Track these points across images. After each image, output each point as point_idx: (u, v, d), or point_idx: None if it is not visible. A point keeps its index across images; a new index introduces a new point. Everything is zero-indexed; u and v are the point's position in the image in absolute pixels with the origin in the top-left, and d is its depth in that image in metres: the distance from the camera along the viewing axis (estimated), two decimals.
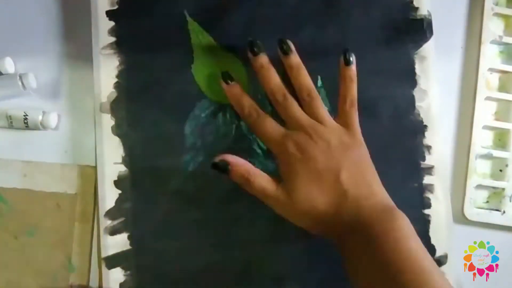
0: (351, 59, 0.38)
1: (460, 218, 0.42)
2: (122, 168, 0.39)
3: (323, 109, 0.38)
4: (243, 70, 0.40)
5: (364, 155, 0.37)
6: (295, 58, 0.38)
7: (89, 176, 0.40)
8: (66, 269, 0.39)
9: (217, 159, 0.36)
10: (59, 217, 0.39)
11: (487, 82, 0.43)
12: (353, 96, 0.37)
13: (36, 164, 0.40)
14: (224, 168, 0.36)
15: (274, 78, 0.38)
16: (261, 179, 0.36)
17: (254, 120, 0.37)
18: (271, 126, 0.37)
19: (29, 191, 0.39)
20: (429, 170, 0.41)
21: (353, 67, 0.38)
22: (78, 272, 0.39)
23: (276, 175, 0.37)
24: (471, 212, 0.42)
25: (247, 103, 0.38)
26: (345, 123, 0.37)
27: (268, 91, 0.38)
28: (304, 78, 0.38)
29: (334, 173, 0.35)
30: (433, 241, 0.40)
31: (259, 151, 0.40)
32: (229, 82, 0.38)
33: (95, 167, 0.40)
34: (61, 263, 0.39)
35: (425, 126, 0.41)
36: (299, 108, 0.37)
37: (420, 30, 0.42)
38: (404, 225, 0.33)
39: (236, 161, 0.36)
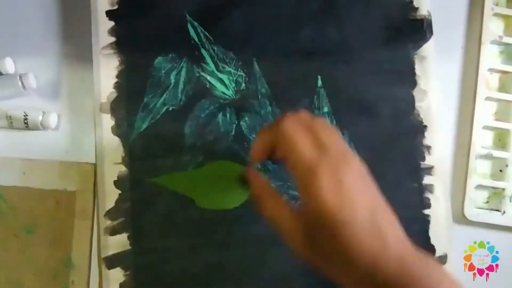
0: None
1: (460, 218, 0.42)
2: (122, 168, 0.39)
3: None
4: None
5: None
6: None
7: (88, 173, 0.40)
8: (66, 266, 0.39)
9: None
10: (59, 215, 0.39)
11: (487, 82, 0.43)
12: None
13: (35, 162, 0.40)
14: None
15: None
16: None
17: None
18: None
19: (28, 188, 0.39)
20: (429, 170, 0.41)
21: None
22: (77, 270, 0.39)
23: (275, 176, 0.37)
24: (471, 212, 0.41)
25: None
26: None
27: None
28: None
29: (371, 211, 0.28)
30: (433, 241, 0.40)
31: None
32: None
33: (94, 164, 0.40)
34: (61, 261, 0.39)
35: (425, 126, 0.41)
36: None
37: (420, 30, 0.42)
38: (447, 278, 0.28)
39: (254, 181, 0.32)
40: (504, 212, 0.42)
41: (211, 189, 0.39)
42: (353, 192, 0.27)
